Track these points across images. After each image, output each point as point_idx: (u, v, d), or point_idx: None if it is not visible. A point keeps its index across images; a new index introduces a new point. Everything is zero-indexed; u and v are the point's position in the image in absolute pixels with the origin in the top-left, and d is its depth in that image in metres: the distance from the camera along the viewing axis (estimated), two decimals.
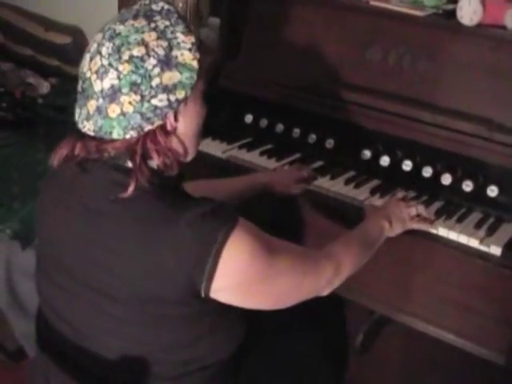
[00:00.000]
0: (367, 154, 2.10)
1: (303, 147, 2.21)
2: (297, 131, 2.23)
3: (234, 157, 2.21)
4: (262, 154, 2.22)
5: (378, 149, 2.09)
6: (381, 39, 2.14)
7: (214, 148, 2.24)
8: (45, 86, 3.16)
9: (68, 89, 3.15)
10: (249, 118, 2.32)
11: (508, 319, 1.76)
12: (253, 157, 2.20)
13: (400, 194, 1.96)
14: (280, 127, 2.26)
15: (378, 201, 1.96)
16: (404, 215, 1.82)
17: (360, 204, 1.96)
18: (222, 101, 2.33)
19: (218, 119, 2.32)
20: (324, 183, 2.04)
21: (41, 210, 1.53)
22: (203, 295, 1.34)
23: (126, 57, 1.28)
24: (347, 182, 2.05)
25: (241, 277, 1.36)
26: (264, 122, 2.30)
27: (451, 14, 2.06)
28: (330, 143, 2.17)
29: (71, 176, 1.41)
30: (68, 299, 1.45)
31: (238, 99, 2.32)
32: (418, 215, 1.86)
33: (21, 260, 2.48)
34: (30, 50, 3.37)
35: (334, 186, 2.03)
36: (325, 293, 1.57)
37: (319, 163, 2.16)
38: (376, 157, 2.09)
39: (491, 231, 1.83)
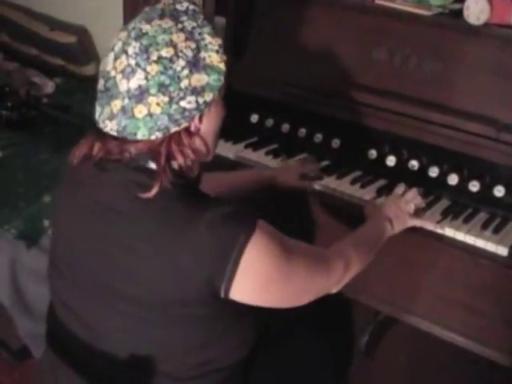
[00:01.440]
0: (373, 153, 2.09)
1: (309, 147, 2.21)
2: (303, 131, 2.23)
3: (239, 156, 2.20)
4: (267, 153, 2.22)
5: (384, 149, 2.08)
6: (387, 39, 2.14)
7: (220, 147, 2.20)
8: (50, 86, 3.16)
9: (73, 88, 3.16)
10: (254, 118, 2.32)
11: None
12: (258, 156, 2.20)
13: (399, 188, 1.94)
14: (286, 127, 2.26)
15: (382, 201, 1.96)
16: (404, 214, 1.82)
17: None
18: (227, 100, 2.32)
19: (224, 119, 2.31)
20: (330, 183, 2.04)
21: (56, 209, 1.53)
22: (222, 296, 1.34)
23: (154, 57, 1.28)
24: (353, 182, 2.05)
25: (261, 278, 1.37)
26: (270, 122, 2.29)
27: (458, 14, 2.06)
28: (336, 143, 2.16)
29: (89, 176, 1.41)
30: (82, 297, 1.45)
31: (244, 99, 2.32)
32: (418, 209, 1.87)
33: (25, 260, 2.48)
34: (35, 50, 3.38)
35: (340, 185, 2.03)
36: (334, 290, 1.58)
37: (325, 163, 2.16)
38: (382, 157, 2.08)
39: (498, 231, 1.83)
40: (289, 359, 1.80)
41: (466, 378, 2.22)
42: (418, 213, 1.86)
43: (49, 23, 3.34)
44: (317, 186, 2.04)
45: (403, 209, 1.82)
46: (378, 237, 1.74)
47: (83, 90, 3.09)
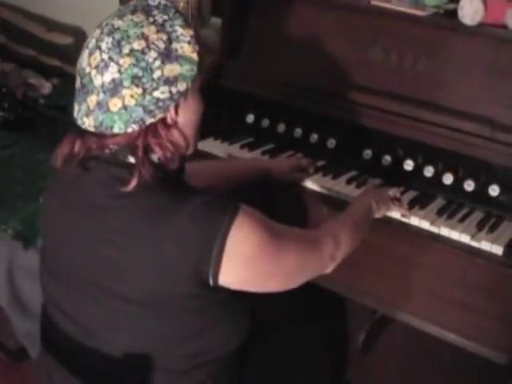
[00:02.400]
0: (369, 153, 2.10)
1: (305, 147, 2.21)
2: (298, 131, 2.23)
3: (235, 156, 2.21)
4: (263, 153, 2.22)
5: (379, 148, 2.09)
6: (382, 39, 2.15)
7: (216, 148, 2.24)
8: (46, 87, 3.16)
9: (70, 89, 3.13)
10: (250, 118, 2.33)
11: (510, 318, 1.76)
12: (254, 156, 2.20)
13: (372, 183, 2.00)
14: (281, 127, 2.27)
15: None
16: (385, 199, 1.86)
17: None
18: (223, 100, 2.34)
19: (220, 119, 2.33)
20: (326, 183, 2.04)
21: (45, 210, 1.54)
22: (212, 283, 1.35)
23: (126, 50, 1.29)
24: (349, 182, 2.05)
25: (248, 259, 1.37)
26: (265, 122, 2.30)
27: (452, 14, 2.06)
28: (331, 143, 2.17)
29: (73, 175, 1.42)
30: (73, 297, 1.46)
31: (240, 99, 2.32)
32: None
33: (23, 260, 2.48)
34: (31, 51, 3.38)
35: (336, 185, 2.03)
36: (329, 269, 1.60)
37: (321, 163, 2.16)
38: (377, 156, 2.09)
39: (493, 230, 1.84)
40: (285, 356, 1.81)
41: (462, 376, 2.23)
42: (394, 202, 1.90)
43: (45, 24, 3.34)
44: (312, 184, 2.04)
45: (384, 195, 1.87)
46: (363, 213, 1.77)
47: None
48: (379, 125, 2.09)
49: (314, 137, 2.20)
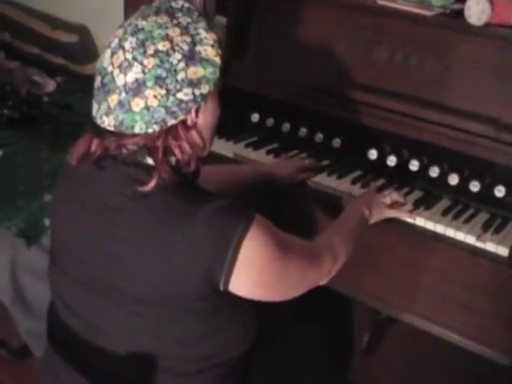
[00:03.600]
0: (374, 153, 2.09)
1: (310, 146, 2.21)
2: (303, 130, 2.23)
3: (240, 155, 2.20)
4: (268, 152, 2.22)
5: (384, 148, 2.08)
6: (388, 39, 2.14)
7: (220, 146, 2.23)
8: (51, 85, 3.16)
9: (74, 87, 3.16)
10: (255, 117, 2.32)
11: None
12: (259, 156, 2.20)
13: (373, 185, 1.99)
14: (286, 126, 2.26)
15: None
16: (380, 204, 1.85)
17: None
18: (228, 99, 2.32)
19: (225, 118, 2.27)
20: (331, 182, 2.04)
21: (56, 207, 1.54)
22: (221, 289, 1.35)
23: (150, 51, 1.29)
24: (354, 182, 2.05)
25: (257, 270, 1.38)
26: (270, 121, 2.29)
27: (459, 14, 2.05)
28: (336, 142, 2.16)
29: (88, 174, 1.42)
30: (82, 294, 1.46)
31: (245, 98, 2.32)
32: (394, 203, 1.89)
33: (26, 258, 2.48)
34: (36, 49, 3.38)
35: (341, 185, 2.03)
36: (323, 282, 1.61)
37: (326, 162, 2.16)
38: (383, 156, 2.08)
39: (498, 232, 1.83)
40: (289, 357, 1.81)
41: (465, 378, 2.23)
42: (396, 206, 1.89)
43: (50, 22, 3.34)
44: (317, 184, 2.03)
45: (379, 200, 1.86)
46: (358, 225, 1.76)
47: (84, 88, 3.08)
48: (384, 125, 2.08)
49: (319, 136, 2.19)
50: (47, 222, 2.44)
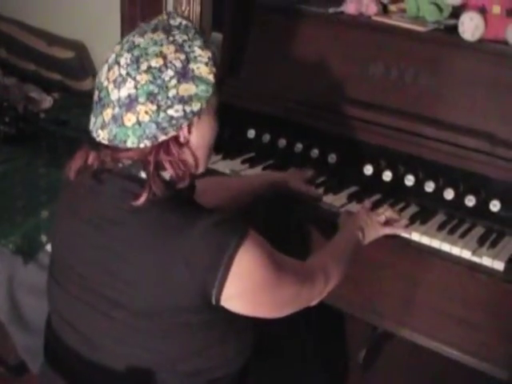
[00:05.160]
0: (369, 168, 2.10)
1: (306, 162, 2.21)
2: (299, 146, 2.23)
3: (236, 172, 2.20)
4: (264, 169, 2.22)
5: (380, 164, 2.09)
6: (383, 54, 2.15)
7: (217, 163, 2.24)
8: (47, 101, 3.17)
9: (70, 103, 3.16)
10: (251, 133, 2.32)
11: (511, 334, 1.76)
12: (255, 172, 2.20)
13: (367, 203, 1.98)
14: (282, 142, 2.26)
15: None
16: (375, 223, 1.86)
17: None
18: (224, 115, 2.33)
19: (221, 134, 2.31)
20: (326, 198, 2.04)
21: (56, 221, 1.56)
22: (214, 303, 1.36)
23: (144, 67, 1.32)
24: (350, 197, 2.05)
25: (249, 285, 1.39)
26: (266, 137, 2.30)
27: (453, 29, 2.07)
28: (332, 158, 2.17)
29: (86, 187, 1.44)
30: (79, 307, 1.47)
31: (241, 114, 2.32)
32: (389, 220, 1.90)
33: (23, 274, 2.48)
34: (32, 65, 3.39)
35: (337, 201, 2.03)
36: (314, 303, 1.62)
37: (322, 178, 2.16)
38: (378, 172, 2.09)
39: (494, 246, 1.83)
40: (285, 372, 1.81)
41: None
42: (391, 223, 1.90)
43: (47, 38, 3.34)
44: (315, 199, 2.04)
45: (374, 219, 1.86)
46: (351, 248, 1.77)
47: (81, 104, 3.10)
48: (380, 140, 2.09)
49: (315, 152, 2.20)
50: (44, 238, 2.44)
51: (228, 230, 1.36)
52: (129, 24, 2.89)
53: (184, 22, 1.41)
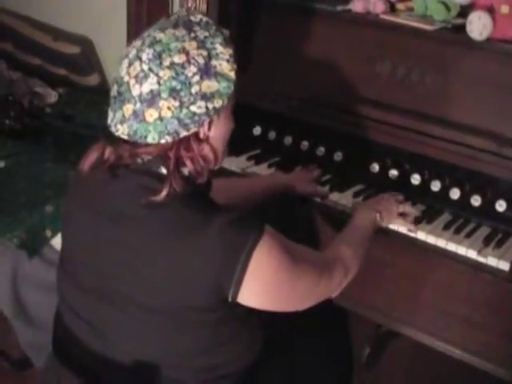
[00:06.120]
0: (376, 167, 2.10)
1: (311, 160, 2.21)
2: (305, 144, 2.23)
3: (241, 168, 2.21)
4: (270, 166, 2.22)
5: (386, 162, 2.09)
6: (390, 53, 2.15)
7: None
8: (53, 96, 3.17)
9: (76, 98, 3.16)
10: (257, 130, 2.33)
11: None
12: (261, 169, 2.20)
13: (399, 196, 1.99)
14: (288, 140, 2.26)
15: None
16: (393, 209, 1.88)
17: None
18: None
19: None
20: (332, 196, 2.04)
21: (67, 215, 1.55)
22: (230, 300, 1.37)
23: (166, 63, 1.32)
24: (356, 195, 2.05)
25: (268, 281, 1.40)
26: (272, 135, 2.30)
27: (460, 29, 2.06)
28: (338, 156, 2.17)
29: (101, 181, 1.44)
30: (92, 302, 1.47)
31: (247, 111, 2.31)
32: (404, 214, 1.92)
33: (27, 269, 2.48)
34: (38, 60, 3.38)
35: (343, 198, 2.03)
36: (335, 294, 1.63)
37: (328, 176, 2.16)
38: (384, 170, 2.09)
39: (499, 246, 1.83)
40: (291, 372, 1.81)
41: None
42: (406, 217, 1.91)
43: (52, 33, 3.34)
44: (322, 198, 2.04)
45: (394, 205, 1.89)
46: (368, 230, 1.79)
47: (86, 99, 3.11)
48: (386, 139, 2.09)
49: (321, 150, 2.20)
50: (49, 233, 2.44)
51: (244, 227, 1.37)
52: (135, 20, 2.88)
53: (204, 19, 1.41)
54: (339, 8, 2.28)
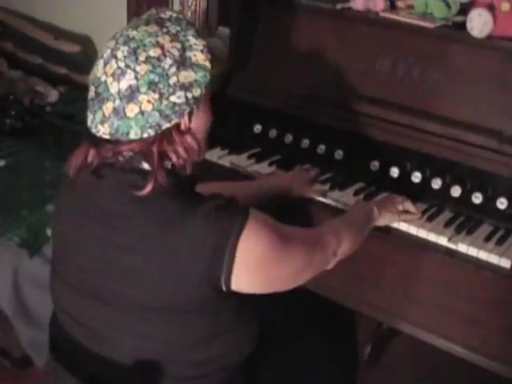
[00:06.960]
0: (376, 165, 2.09)
1: (312, 158, 2.21)
2: (306, 142, 2.23)
3: (242, 167, 2.20)
4: (270, 164, 2.22)
5: (387, 160, 2.08)
6: (390, 50, 2.14)
7: (223, 158, 2.24)
8: (53, 94, 3.17)
9: (76, 97, 3.17)
10: (258, 129, 2.32)
11: None
12: (262, 167, 2.20)
13: (402, 197, 1.98)
14: (289, 138, 2.26)
15: None
16: (393, 208, 1.89)
17: None
18: (230, 111, 2.33)
19: (227, 129, 2.32)
20: (333, 194, 2.04)
21: (57, 218, 1.56)
22: (224, 289, 1.37)
23: (142, 58, 1.32)
24: (356, 194, 2.04)
25: (259, 264, 1.41)
26: (273, 133, 2.29)
27: (461, 26, 2.06)
28: (339, 154, 2.16)
29: (87, 183, 1.44)
30: (85, 302, 1.47)
31: (247, 109, 2.32)
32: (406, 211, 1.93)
33: (28, 268, 2.48)
34: (39, 58, 3.39)
35: (343, 196, 2.03)
36: (331, 265, 1.63)
37: (328, 174, 2.16)
38: (385, 168, 2.08)
39: (501, 243, 1.83)
40: (292, 368, 1.81)
41: None
42: (407, 217, 1.91)
43: (53, 32, 3.35)
44: (321, 197, 2.04)
45: (394, 203, 1.90)
46: (365, 218, 1.80)
47: (86, 98, 3.11)
48: (387, 136, 2.09)
49: (322, 148, 2.19)
50: (49, 232, 2.44)
51: (230, 212, 1.38)
52: (135, 18, 2.89)
53: (174, 15, 1.43)
54: (339, 6, 2.28)
